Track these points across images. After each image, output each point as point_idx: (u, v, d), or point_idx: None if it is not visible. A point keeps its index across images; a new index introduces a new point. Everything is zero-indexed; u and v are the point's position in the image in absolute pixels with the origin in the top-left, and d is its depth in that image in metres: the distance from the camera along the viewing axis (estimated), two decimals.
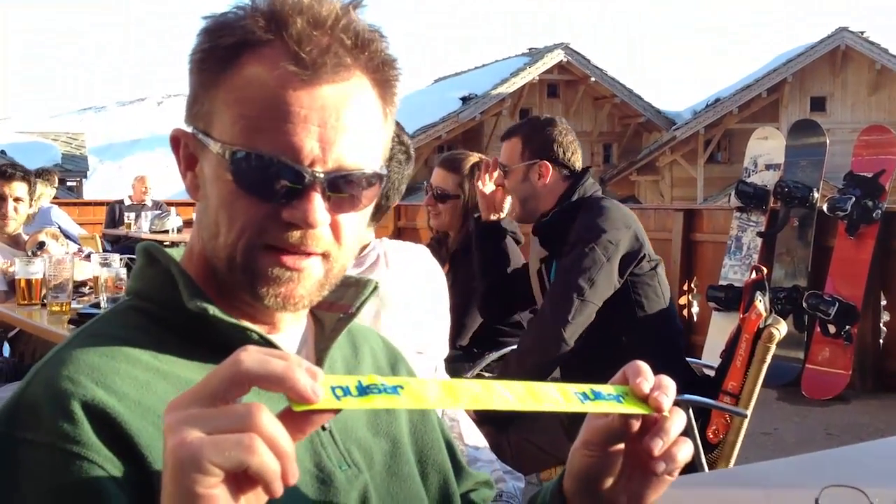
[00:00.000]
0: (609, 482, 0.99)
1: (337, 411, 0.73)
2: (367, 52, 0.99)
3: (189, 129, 1.02)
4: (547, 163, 3.19)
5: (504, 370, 3.27)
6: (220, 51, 0.98)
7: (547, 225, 3.21)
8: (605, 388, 0.90)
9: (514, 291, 3.60)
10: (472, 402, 0.80)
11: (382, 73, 1.01)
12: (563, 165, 3.21)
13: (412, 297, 2.26)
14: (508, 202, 3.50)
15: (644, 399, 0.90)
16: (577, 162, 3.25)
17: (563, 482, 1.04)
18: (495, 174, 3.45)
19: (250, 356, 0.71)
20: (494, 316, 3.80)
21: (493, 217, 3.54)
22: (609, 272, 3.01)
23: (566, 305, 2.98)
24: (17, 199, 4.76)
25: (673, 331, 3.25)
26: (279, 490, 0.69)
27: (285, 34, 0.95)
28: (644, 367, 0.93)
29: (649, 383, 0.91)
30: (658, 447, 0.91)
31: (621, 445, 0.97)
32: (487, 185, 3.48)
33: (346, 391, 0.73)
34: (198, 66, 1.00)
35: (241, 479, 0.68)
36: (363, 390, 0.74)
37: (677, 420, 0.92)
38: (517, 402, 0.82)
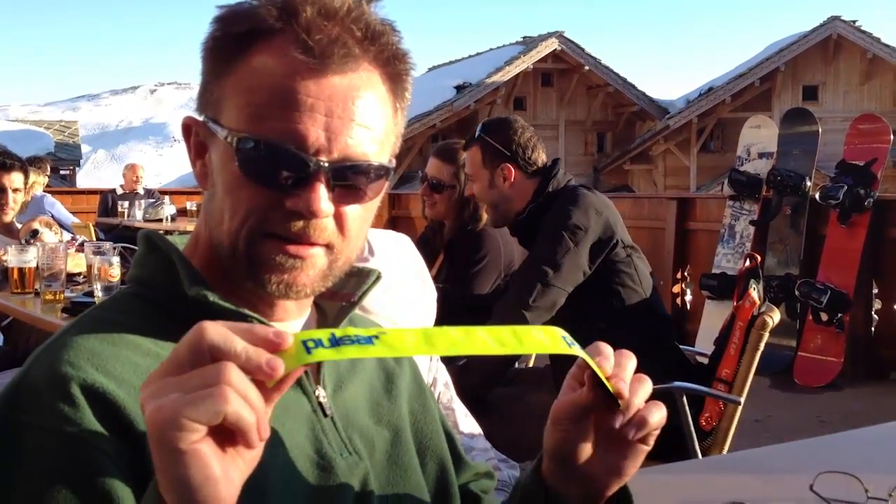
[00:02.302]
0: (584, 457, 1.00)
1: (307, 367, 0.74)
2: (377, 45, 0.99)
3: (200, 118, 1.02)
4: (509, 165, 3.19)
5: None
6: (231, 39, 0.98)
7: (523, 222, 3.21)
8: None
9: None
10: (450, 347, 0.80)
11: (393, 66, 1.01)
12: (527, 164, 3.21)
13: (399, 280, 2.27)
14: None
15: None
16: (540, 158, 3.24)
17: (541, 464, 1.05)
18: None
19: (214, 327, 0.71)
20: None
21: None
22: (576, 256, 3.02)
23: (528, 290, 3.01)
24: (15, 190, 4.77)
25: (655, 319, 3.21)
26: (256, 441, 0.70)
27: (295, 23, 0.95)
28: (605, 347, 0.94)
29: (610, 364, 0.93)
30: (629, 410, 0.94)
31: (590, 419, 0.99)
32: None
33: (319, 343, 0.74)
34: (209, 54, 1.01)
35: (223, 434, 0.69)
36: (336, 342, 0.74)
37: (644, 385, 0.94)
38: (498, 346, 0.82)
